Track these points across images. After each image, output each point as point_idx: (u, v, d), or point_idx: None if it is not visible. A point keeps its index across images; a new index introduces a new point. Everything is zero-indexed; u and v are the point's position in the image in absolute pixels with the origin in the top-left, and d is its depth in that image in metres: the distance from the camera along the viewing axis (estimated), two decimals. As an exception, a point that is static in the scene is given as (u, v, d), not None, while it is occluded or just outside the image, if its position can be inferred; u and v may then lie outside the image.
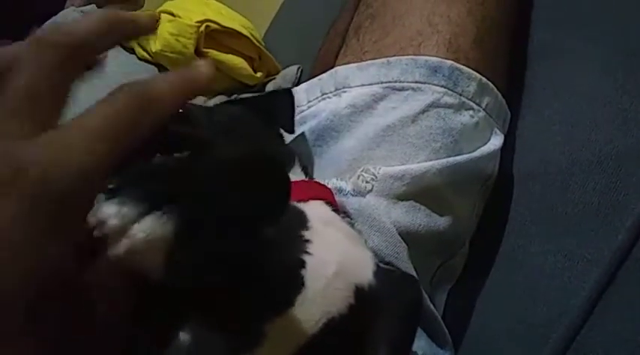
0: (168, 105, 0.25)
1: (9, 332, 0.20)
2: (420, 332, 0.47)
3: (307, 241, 0.33)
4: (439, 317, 0.49)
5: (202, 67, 0.28)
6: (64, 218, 0.21)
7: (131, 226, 0.22)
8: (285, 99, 0.51)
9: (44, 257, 0.20)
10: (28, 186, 0.20)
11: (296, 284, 0.31)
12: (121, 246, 0.22)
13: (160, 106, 0.25)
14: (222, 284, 0.26)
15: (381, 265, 0.37)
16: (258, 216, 0.26)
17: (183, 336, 0.27)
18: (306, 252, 0.33)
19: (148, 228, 0.22)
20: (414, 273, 0.46)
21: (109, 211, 0.23)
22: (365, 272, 0.35)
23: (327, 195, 0.44)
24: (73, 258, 0.22)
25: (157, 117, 0.25)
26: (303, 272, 0.31)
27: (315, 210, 0.38)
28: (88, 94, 0.25)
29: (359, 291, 0.33)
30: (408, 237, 0.47)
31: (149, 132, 0.24)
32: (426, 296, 0.47)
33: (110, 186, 0.23)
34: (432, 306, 0.49)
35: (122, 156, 0.23)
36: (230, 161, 0.26)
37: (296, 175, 0.44)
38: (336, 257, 0.34)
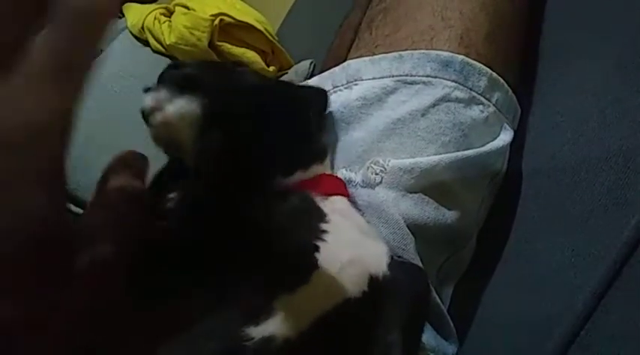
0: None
1: None
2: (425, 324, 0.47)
3: (324, 231, 0.35)
4: (445, 310, 0.50)
5: None
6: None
7: (165, 105, 0.26)
8: (319, 92, 0.52)
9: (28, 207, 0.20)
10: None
11: (310, 264, 0.32)
12: (156, 118, 0.26)
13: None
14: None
15: (395, 258, 0.38)
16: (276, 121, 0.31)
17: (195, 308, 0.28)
18: (322, 239, 0.34)
19: (179, 105, 0.26)
20: (421, 266, 0.46)
21: (146, 99, 0.26)
22: (379, 263, 0.36)
23: (344, 191, 0.45)
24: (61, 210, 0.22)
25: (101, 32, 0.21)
26: (317, 255, 0.33)
27: (335, 205, 0.40)
28: (98, 87, 0.26)
29: (373, 281, 0.34)
30: (416, 229, 0.47)
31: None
32: (432, 288, 0.48)
33: (148, 87, 0.26)
34: (437, 299, 0.49)
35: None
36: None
37: (327, 168, 0.45)
38: (352, 246, 0.35)
